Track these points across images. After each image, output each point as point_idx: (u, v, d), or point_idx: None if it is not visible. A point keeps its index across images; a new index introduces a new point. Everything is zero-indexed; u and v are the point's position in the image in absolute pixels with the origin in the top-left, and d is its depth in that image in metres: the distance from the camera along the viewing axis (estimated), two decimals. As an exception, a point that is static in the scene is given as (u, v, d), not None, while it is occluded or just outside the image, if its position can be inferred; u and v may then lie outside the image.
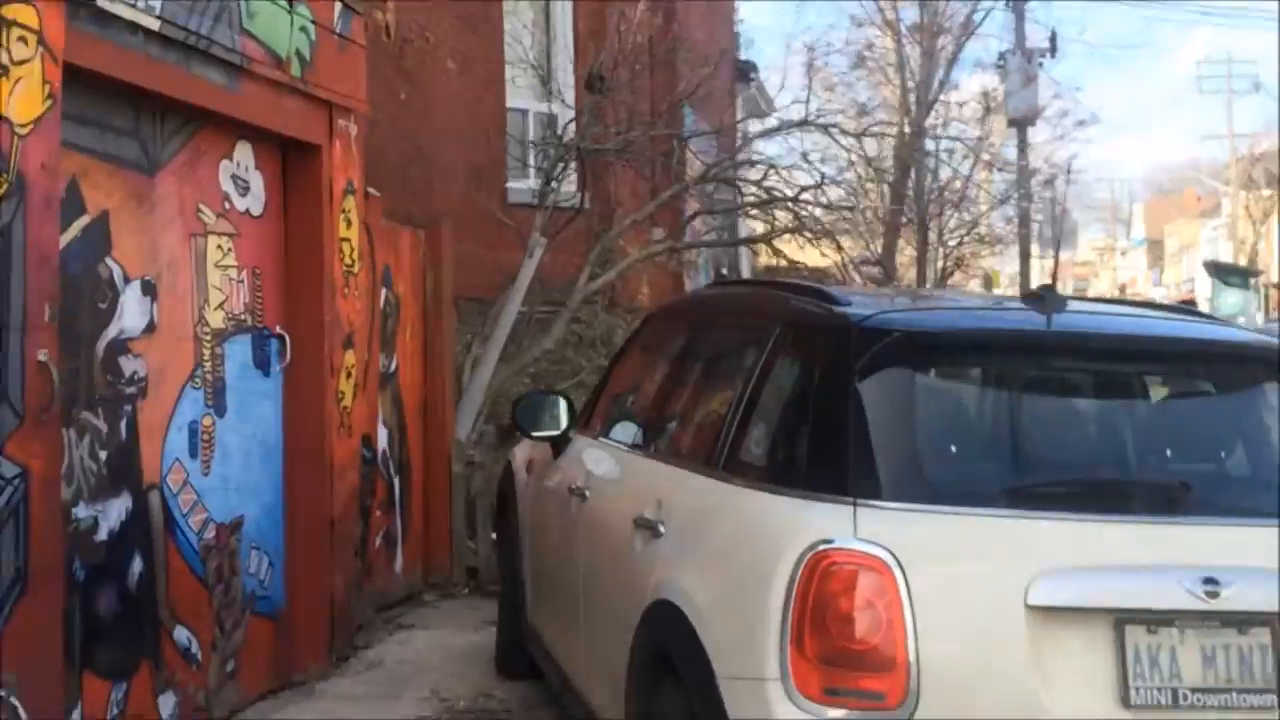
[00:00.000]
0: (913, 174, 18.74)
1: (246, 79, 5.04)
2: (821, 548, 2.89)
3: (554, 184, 8.23)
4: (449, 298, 7.70)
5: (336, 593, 5.78)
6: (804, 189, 8.34)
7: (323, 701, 5.37)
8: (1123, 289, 67.65)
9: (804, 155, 9.39)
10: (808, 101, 9.37)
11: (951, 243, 17.60)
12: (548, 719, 5.13)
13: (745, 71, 20.77)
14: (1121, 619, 2.88)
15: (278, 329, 5.53)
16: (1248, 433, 3.36)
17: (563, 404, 4.91)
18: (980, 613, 2.86)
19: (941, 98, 22.18)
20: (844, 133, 9.34)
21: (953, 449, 3.17)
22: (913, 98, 21.31)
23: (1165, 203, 66.46)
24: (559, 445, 4.94)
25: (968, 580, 2.89)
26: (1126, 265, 69.39)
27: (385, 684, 5.62)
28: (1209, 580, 2.88)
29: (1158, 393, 3.39)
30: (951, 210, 17.68)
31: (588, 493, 4.34)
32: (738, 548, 3.20)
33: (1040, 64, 21.44)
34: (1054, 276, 5.37)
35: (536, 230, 8.00)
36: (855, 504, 2.95)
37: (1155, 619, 2.89)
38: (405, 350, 7.32)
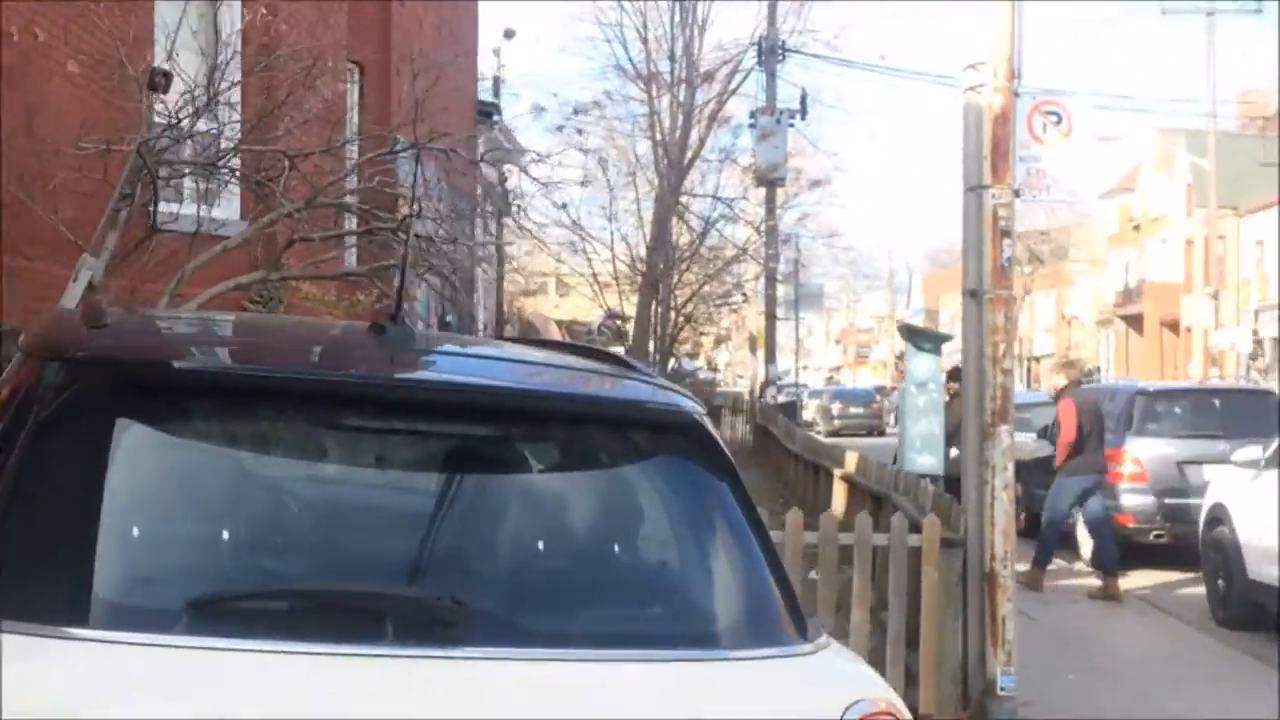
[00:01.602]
0: (649, 233, 18.17)
1: None
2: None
3: (126, 198, 7.05)
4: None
5: None
6: (405, 217, 7.41)
7: None
8: (900, 355, 69.51)
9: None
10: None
11: (681, 300, 17.01)
12: None
13: (487, 112, 20.02)
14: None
15: None
16: (600, 526, 2.43)
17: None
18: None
19: (705, 156, 21.80)
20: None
21: (149, 545, 2.19)
22: (663, 154, 20.85)
23: (944, 275, 68.56)
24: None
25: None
26: (905, 334, 71.32)
27: None
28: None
29: (493, 467, 2.41)
30: (685, 268, 17.11)
31: None
32: None
33: (791, 124, 21.21)
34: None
35: (88, 253, 6.80)
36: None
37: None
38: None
